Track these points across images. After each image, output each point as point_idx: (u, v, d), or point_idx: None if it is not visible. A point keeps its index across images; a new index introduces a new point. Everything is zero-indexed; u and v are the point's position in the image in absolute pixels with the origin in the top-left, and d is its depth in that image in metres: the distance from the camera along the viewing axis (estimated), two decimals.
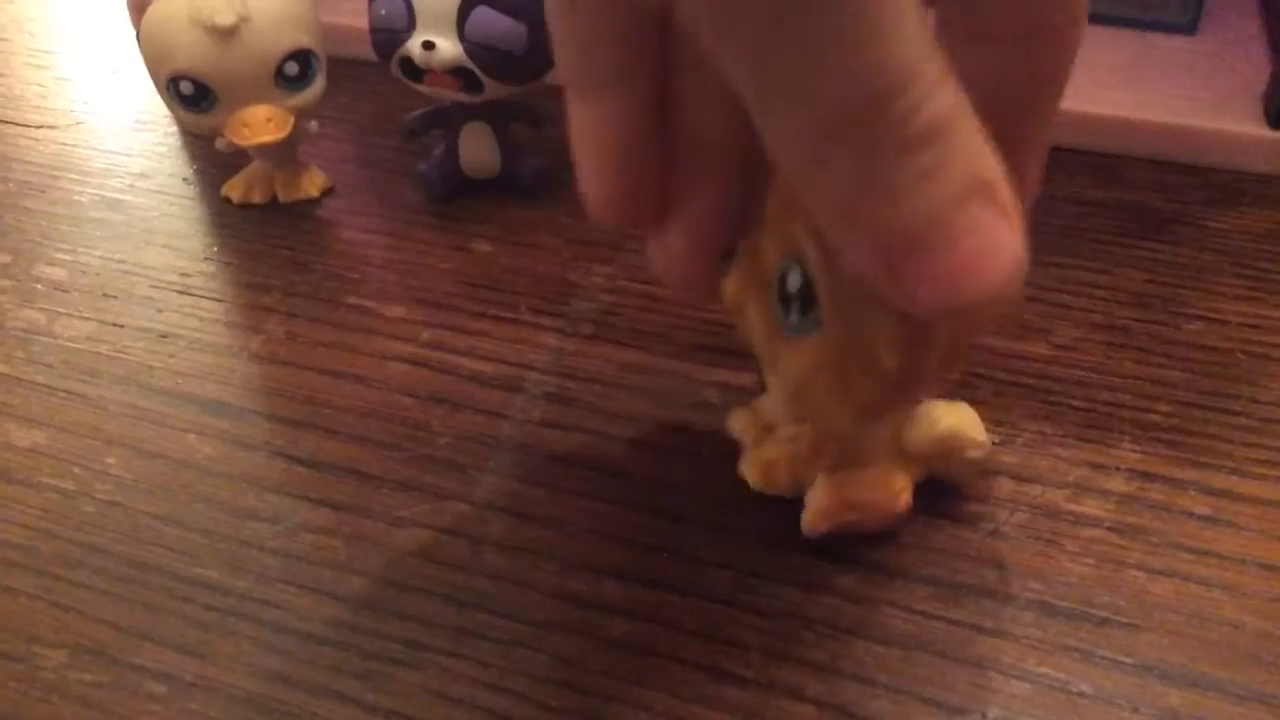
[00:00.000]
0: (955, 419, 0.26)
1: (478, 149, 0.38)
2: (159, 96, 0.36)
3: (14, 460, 0.30)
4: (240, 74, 0.35)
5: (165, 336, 0.34)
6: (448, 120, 0.38)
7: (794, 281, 0.22)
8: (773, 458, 0.26)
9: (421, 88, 0.36)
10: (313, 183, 0.40)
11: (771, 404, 0.28)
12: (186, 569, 0.27)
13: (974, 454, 0.27)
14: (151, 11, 0.34)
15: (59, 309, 0.35)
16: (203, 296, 0.35)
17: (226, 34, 0.34)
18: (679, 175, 0.23)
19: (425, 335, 0.33)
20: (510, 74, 0.35)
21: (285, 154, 0.39)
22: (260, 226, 0.39)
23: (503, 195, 0.39)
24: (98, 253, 0.38)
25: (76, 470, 0.30)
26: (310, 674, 0.25)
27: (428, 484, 0.29)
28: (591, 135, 0.22)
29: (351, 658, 0.25)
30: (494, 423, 0.30)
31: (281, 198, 0.40)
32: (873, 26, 0.18)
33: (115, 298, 0.35)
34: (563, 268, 0.36)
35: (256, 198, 0.39)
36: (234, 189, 0.40)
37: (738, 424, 0.28)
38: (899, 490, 0.26)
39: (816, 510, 0.26)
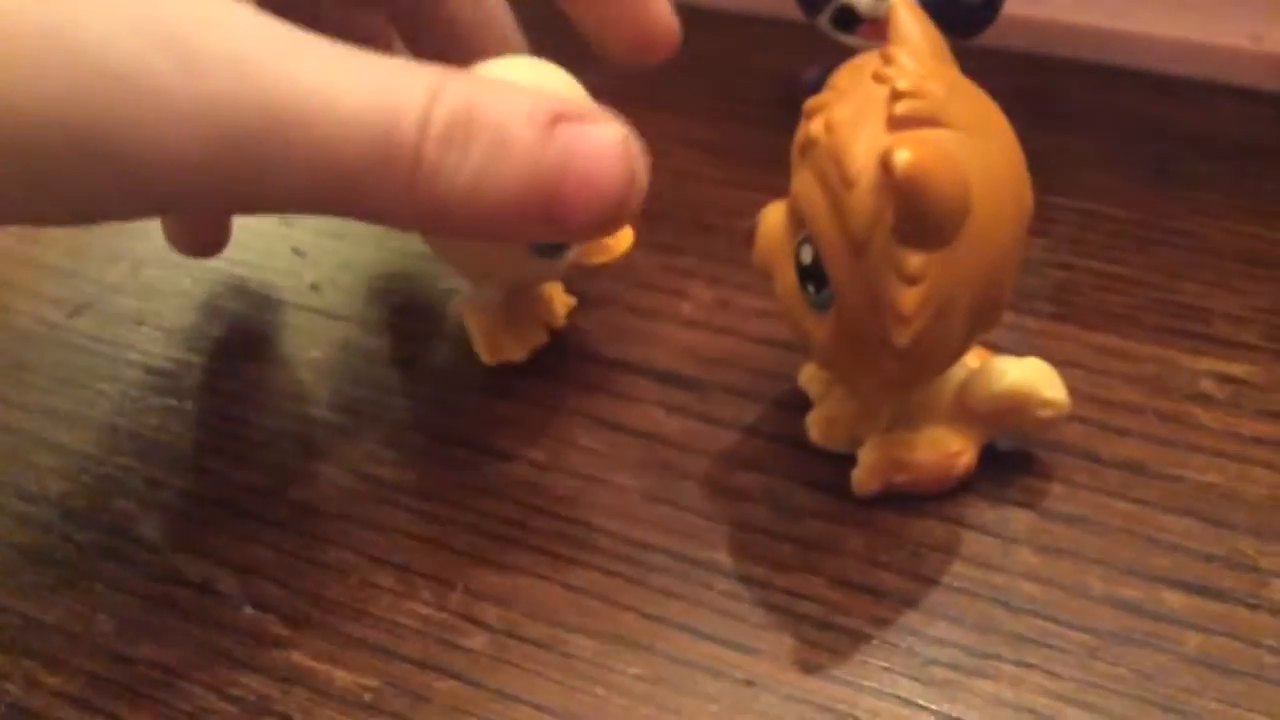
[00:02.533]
0: (1021, 375, 0.25)
1: None
2: None
3: (476, 427, 0.29)
4: None
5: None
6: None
7: (806, 256, 0.23)
8: (833, 414, 0.27)
9: (851, 39, 0.34)
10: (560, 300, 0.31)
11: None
12: (695, 552, 0.25)
13: (1044, 413, 0.25)
14: None
15: None
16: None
17: None
18: None
19: None
20: (960, 24, 0.32)
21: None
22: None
23: None
24: None
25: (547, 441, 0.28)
26: (864, 674, 0.23)
27: None
28: None
29: (911, 662, 0.23)
30: None
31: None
32: (315, 90, 0.19)
33: None
34: None
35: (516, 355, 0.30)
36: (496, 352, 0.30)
37: (805, 377, 0.28)
38: (955, 453, 0.26)
39: (866, 468, 0.26)
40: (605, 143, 0.20)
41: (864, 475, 0.26)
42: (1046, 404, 0.25)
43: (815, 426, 0.27)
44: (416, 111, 0.19)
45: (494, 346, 0.29)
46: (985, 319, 0.23)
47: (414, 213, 0.20)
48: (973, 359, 0.26)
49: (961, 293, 0.22)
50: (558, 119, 0.20)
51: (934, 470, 0.26)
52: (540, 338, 0.30)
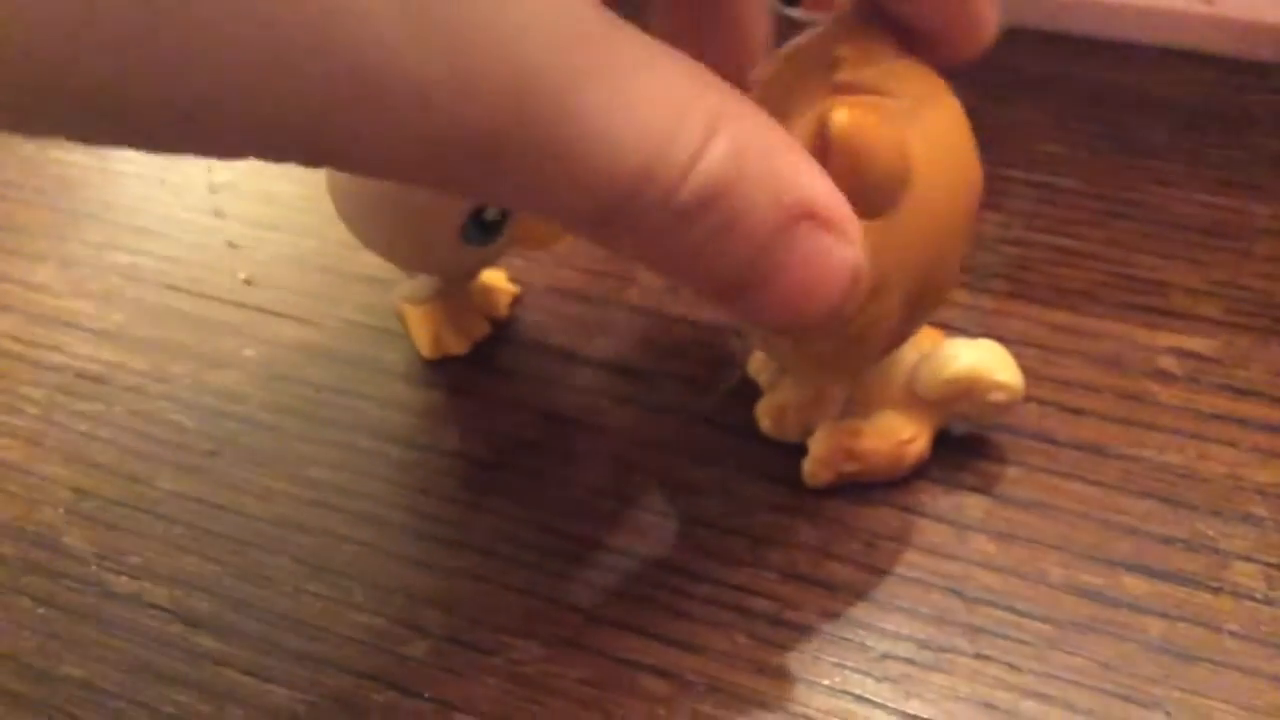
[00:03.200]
0: (974, 358, 0.24)
1: None
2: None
3: (416, 424, 0.28)
4: None
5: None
6: None
7: None
8: (783, 403, 0.26)
9: (794, 11, 0.33)
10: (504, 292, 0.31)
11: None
12: (643, 549, 0.24)
13: (998, 397, 0.25)
14: None
15: None
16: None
17: None
18: None
19: None
20: None
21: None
22: None
23: None
24: None
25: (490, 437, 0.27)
26: (818, 671, 0.23)
27: None
28: None
29: (865, 657, 0.23)
30: None
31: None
32: (594, 114, 0.16)
33: None
34: None
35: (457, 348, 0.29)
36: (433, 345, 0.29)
37: (754, 366, 0.27)
38: (907, 440, 0.25)
39: (817, 459, 0.25)
40: (836, 269, 0.18)
41: (815, 466, 0.25)
42: (1000, 388, 0.25)
43: (765, 416, 0.26)
44: (688, 152, 0.17)
45: (433, 340, 0.28)
46: (927, 301, 0.22)
47: (620, 244, 0.18)
48: (925, 341, 0.25)
49: (899, 270, 0.21)
50: (805, 215, 0.18)
51: (886, 458, 0.25)
52: (482, 329, 0.29)
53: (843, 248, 0.18)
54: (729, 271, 0.18)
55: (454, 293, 0.29)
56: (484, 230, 0.25)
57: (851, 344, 0.22)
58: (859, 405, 0.25)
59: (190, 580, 0.24)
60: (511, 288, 0.30)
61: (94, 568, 0.25)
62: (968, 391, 0.25)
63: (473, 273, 0.29)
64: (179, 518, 0.25)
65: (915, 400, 0.25)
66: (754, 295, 0.18)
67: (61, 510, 0.26)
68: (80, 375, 0.29)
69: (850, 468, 0.25)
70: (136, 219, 0.34)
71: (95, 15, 0.13)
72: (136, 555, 0.25)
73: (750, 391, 0.27)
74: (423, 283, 0.28)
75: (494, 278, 0.30)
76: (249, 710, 0.22)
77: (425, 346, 0.28)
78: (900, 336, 0.23)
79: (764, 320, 0.19)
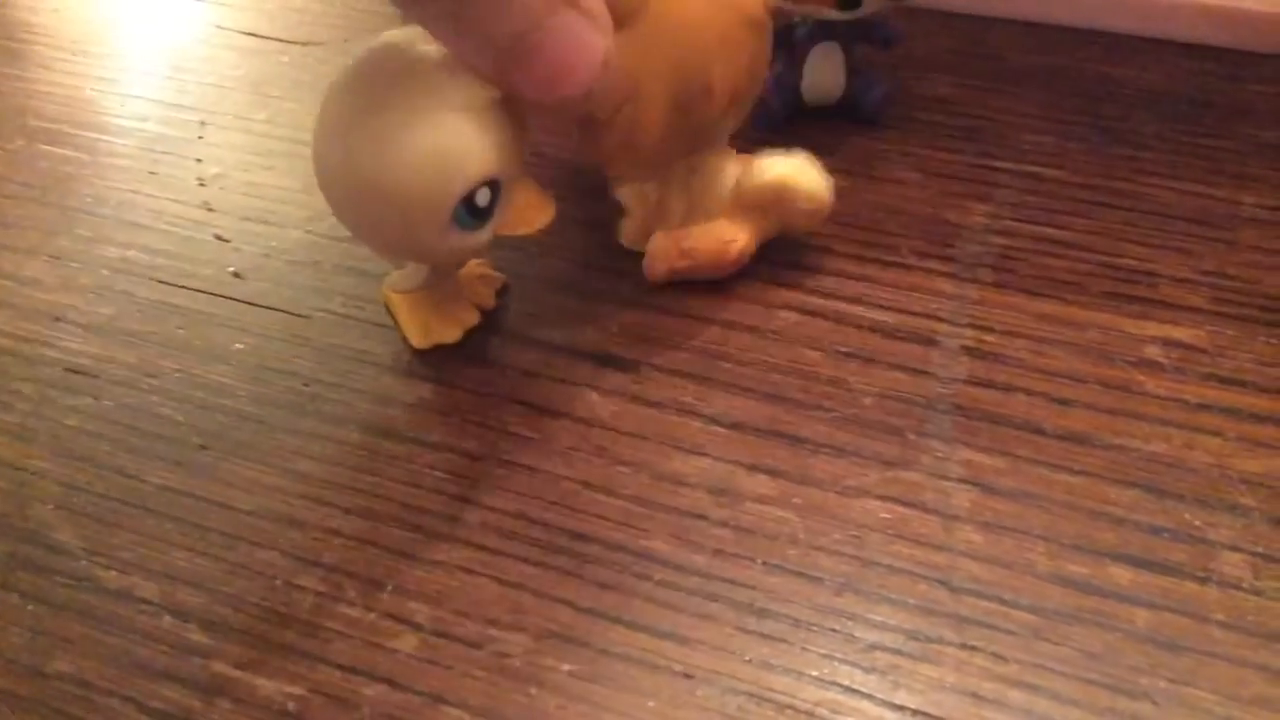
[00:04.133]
0: (786, 169, 0.29)
1: (826, 73, 0.35)
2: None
3: (405, 417, 0.28)
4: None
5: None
6: (791, 40, 0.35)
7: None
8: (637, 219, 0.30)
9: (787, 3, 0.33)
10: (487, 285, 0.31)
11: None
12: (631, 541, 0.24)
13: (805, 206, 0.29)
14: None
15: None
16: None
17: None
18: None
19: (807, 281, 0.30)
20: None
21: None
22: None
23: (842, 123, 0.36)
24: None
25: (478, 430, 0.27)
26: (805, 663, 0.23)
27: (867, 449, 0.26)
28: None
29: (853, 649, 0.23)
30: (917, 380, 0.28)
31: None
32: None
33: None
34: (933, 205, 0.33)
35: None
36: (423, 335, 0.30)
37: (624, 191, 0.31)
38: (730, 240, 0.29)
39: (653, 255, 0.30)
40: (589, 49, 0.23)
41: (651, 261, 0.29)
42: (807, 197, 0.29)
43: (624, 234, 0.31)
44: None
45: (423, 328, 0.28)
46: (693, 108, 0.26)
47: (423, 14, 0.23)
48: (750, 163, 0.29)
49: (653, 79, 0.26)
50: (569, 3, 0.22)
51: (710, 255, 0.29)
52: (472, 317, 0.29)
53: (594, 34, 0.23)
54: (504, 40, 0.22)
55: (442, 282, 0.29)
56: (475, 215, 0.25)
57: (624, 146, 0.27)
58: (693, 216, 0.30)
59: (180, 575, 0.24)
60: (497, 276, 0.30)
61: (84, 563, 0.25)
62: (778, 199, 0.29)
63: (462, 261, 0.29)
64: (169, 512, 0.25)
65: (739, 209, 0.29)
66: (523, 67, 0.23)
67: (51, 505, 0.26)
68: (70, 369, 0.29)
69: (682, 263, 0.29)
70: (125, 213, 0.34)
71: None
72: (126, 550, 0.25)
73: (738, 383, 0.27)
74: (411, 272, 0.28)
75: (480, 267, 0.30)
76: (239, 705, 0.22)
77: (415, 335, 0.28)
78: (671, 145, 0.28)
79: (529, 93, 0.23)
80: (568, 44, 0.23)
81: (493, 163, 0.24)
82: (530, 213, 0.27)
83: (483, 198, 0.24)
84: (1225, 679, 0.22)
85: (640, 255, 0.30)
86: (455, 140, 0.23)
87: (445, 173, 0.23)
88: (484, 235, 0.26)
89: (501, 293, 0.30)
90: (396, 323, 0.29)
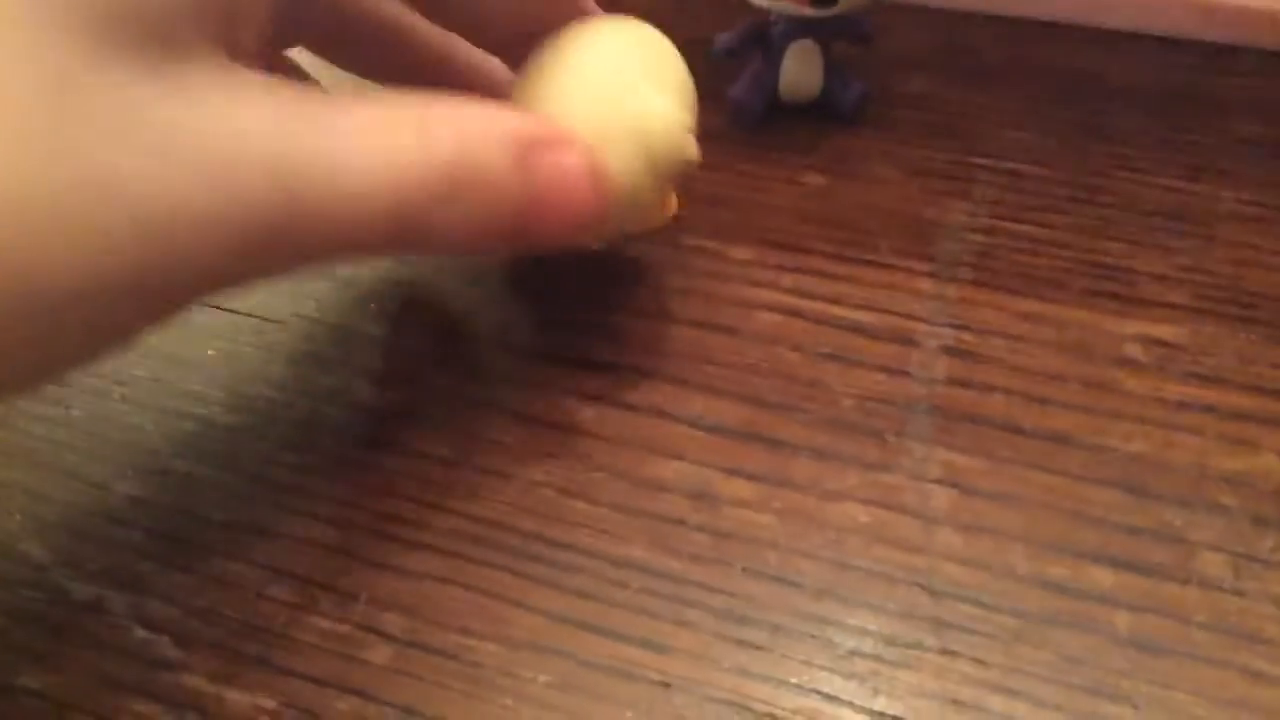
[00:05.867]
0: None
1: (802, 70, 0.35)
2: None
3: (378, 424, 0.28)
4: None
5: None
6: (768, 38, 0.34)
7: None
8: None
9: (762, 1, 0.33)
10: None
11: None
12: (609, 548, 0.24)
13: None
14: None
15: None
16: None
17: None
18: None
19: (785, 281, 0.30)
20: None
21: None
22: None
23: (819, 121, 0.35)
24: None
25: (454, 436, 0.27)
26: (784, 670, 0.22)
27: (846, 452, 0.26)
28: None
29: (832, 655, 0.23)
30: (897, 381, 0.27)
31: None
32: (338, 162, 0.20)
33: None
34: (913, 203, 0.32)
35: None
36: None
37: None
38: None
39: None
40: (574, 174, 0.23)
41: None
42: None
43: None
44: (417, 170, 0.21)
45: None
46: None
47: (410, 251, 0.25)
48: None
49: None
50: (531, 147, 0.22)
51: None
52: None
53: (570, 159, 0.22)
54: (499, 227, 0.22)
55: None
56: None
57: None
58: None
59: (150, 587, 0.24)
60: None
61: (52, 574, 0.24)
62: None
63: None
64: (139, 523, 0.25)
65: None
66: (528, 235, 0.22)
67: (18, 516, 0.25)
68: None
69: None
70: None
71: None
72: (95, 562, 0.24)
73: (717, 385, 0.27)
74: None
75: None
76: (208, 718, 0.22)
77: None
78: None
79: (558, 243, 0.23)
80: (555, 182, 0.23)
81: None
82: (652, 212, 0.27)
83: None
84: (1207, 681, 0.21)
85: (614, 256, 0.30)
86: None
87: None
88: None
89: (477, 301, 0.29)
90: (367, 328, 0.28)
